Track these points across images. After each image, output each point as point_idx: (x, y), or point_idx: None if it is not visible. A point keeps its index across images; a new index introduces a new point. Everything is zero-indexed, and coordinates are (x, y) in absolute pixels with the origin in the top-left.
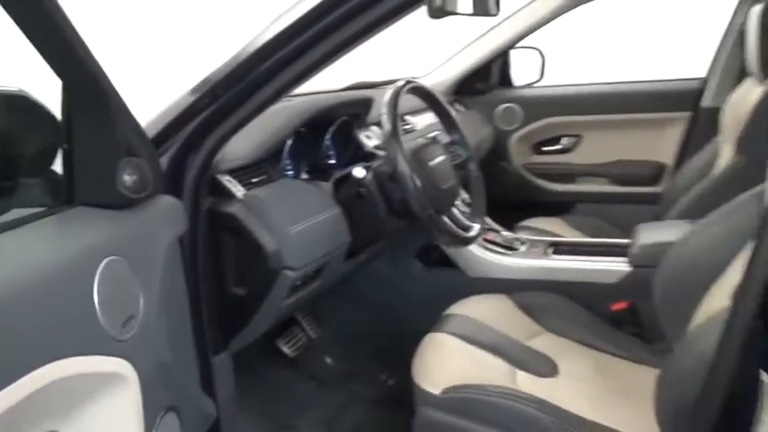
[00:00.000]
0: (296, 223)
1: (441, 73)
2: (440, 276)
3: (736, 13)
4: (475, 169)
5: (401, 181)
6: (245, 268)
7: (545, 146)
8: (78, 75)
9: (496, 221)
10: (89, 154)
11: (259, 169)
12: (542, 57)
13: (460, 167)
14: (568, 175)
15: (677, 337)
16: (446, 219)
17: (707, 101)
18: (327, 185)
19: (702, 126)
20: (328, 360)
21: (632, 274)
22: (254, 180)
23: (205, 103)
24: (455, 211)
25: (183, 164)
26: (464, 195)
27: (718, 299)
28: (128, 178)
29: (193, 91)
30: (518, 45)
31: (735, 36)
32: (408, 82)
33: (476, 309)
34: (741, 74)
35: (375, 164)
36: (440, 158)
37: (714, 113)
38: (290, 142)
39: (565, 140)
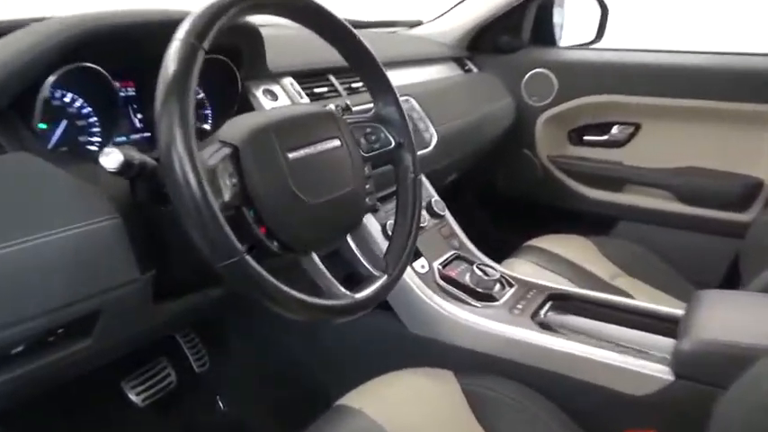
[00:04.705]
0: None
1: (451, 19)
2: (368, 323)
3: None
4: (411, 168)
5: (169, 183)
6: None
7: (586, 134)
8: None
9: (497, 231)
10: None
11: None
12: (604, 8)
13: (383, 160)
14: (614, 179)
15: None
16: (317, 262)
17: None
18: (115, 181)
19: None
20: (220, 403)
21: (673, 388)
22: None
23: None
24: (351, 244)
25: None
26: (387, 219)
27: None
28: None
29: None
30: None
31: None
32: None
33: (401, 387)
34: None
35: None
36: (326, 144)
37: None
38: (51, 80)
39: (615, 130)
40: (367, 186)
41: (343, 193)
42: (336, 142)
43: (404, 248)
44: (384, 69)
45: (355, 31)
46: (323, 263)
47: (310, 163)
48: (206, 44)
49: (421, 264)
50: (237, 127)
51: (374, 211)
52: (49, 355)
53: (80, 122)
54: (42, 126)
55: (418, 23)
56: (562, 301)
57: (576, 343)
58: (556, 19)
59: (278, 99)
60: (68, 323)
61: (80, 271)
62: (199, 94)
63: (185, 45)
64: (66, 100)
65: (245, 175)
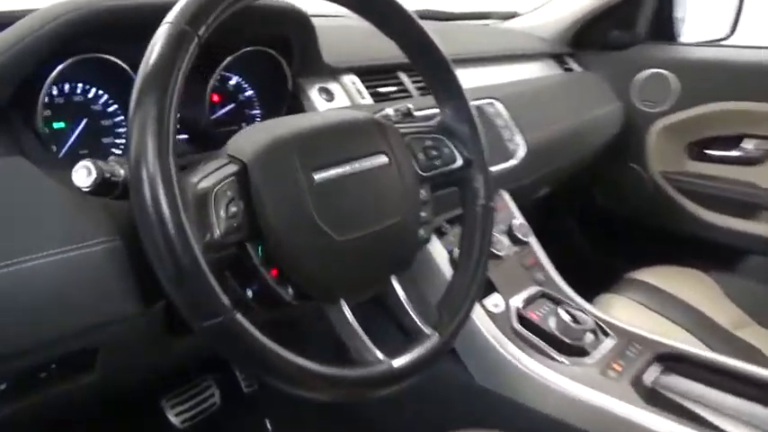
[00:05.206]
0: None
1: (552, 10)
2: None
3: None
4: (481, 193)
5: (136, 211)
6: None
7: (710, 148)
8: None
9: (595, 257)
10: None
11: None
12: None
13: (445, 181)
14: (744, 203)
15: None
16: (347, 314)
17: None
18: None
19: None
20: (268, 425)
21: None
22: None
23: None
24: (396, 287)
25: None
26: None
27: None
28: None
29: None
30: None
31: None
32: None
33: None
34: None
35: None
36: (369, 161)
37: None
38: (55, 73)
39: (749, 144)
40: (423, 214)
41: (388, 226)
42: (382, 159)
43: (464, 298)
44: (454, 68)
45: (418, 18)
46: (357, 312)
47: (343, 186)
48: (203, 31)
49: (494, 301)
50: (249, 138)
51: (441, 234)
52: (41, 393)
53: (105, 122)
54: (59, 125)
55: (513, 15)
56: (674, 363)
57: (693, 429)
58: (678, 13)
59: (335, 99)
60: (61, 359)
61: (68, 303)
62: (246, 91)
63: (174, 30)
64: (90, 96)
65: (254, 201)
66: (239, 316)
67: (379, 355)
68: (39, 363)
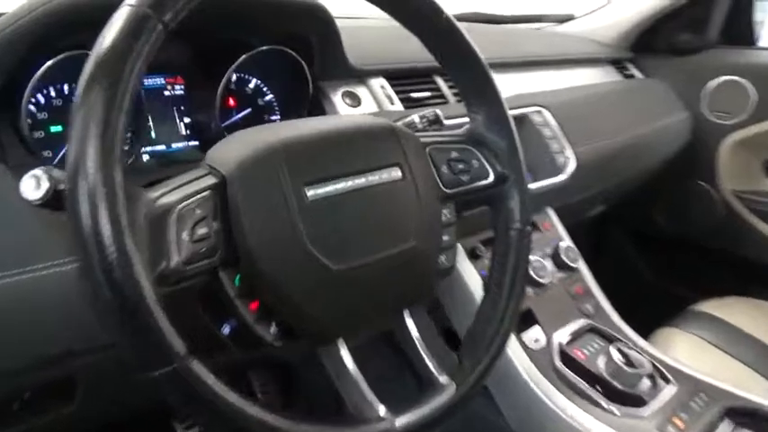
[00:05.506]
0: None
1: (612, 12)
2: None
3: None
4: (516, 216)
5: (71, 229)
6: None
7: None
8: None
9: (654, 285)
10: None
11: None
12: None
13: (474, 199)
14: None
15: None
16: (345, 358)
17: None
18: None
19: None
20: None
21: None
22: None
23: None
24: (410, 326)
25: None
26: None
27: None
28: None
29: None
30: None
31: None
32: None
33: None
34: None
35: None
36: (377, 176)
37: None
38: (40, 72)
39: None
40: (445, 238)
41: (398, 252)
42: (395, 173)
43: (490, 341)
44: (490, 69)
45: (446, 10)
46: (360, 351)
47: (343, 204)
48: (169, 17)
49: (534, 336)
50: (233, 146)
51: (475, 257)
52: (19, 424)
53: None
54: (56, 129)
55: (569, 18)
56: (749, 419)
57: None
58: (758, 16)
59: (361, 105)
60: (34, 390)
61: (34, 328)
62: (266, 95)
63: (133, 14)
64: None
65: (232, 222)
66: (196, 363)
67: (381, 410)
68: (6, 394)
